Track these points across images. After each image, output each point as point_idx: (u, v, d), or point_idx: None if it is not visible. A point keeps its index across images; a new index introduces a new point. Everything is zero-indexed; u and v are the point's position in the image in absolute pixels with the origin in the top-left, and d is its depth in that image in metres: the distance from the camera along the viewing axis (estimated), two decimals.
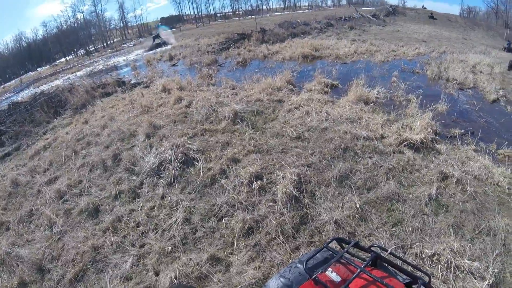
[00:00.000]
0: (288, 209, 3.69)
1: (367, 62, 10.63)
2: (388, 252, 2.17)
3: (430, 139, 5.36)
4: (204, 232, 3.79)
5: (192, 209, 4.11)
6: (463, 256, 3.60)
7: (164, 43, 24.27)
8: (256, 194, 3.93)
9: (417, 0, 58.11)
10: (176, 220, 4.01)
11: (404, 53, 12.43)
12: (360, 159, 4.51)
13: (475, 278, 3.46)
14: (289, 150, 4.65)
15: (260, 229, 3.60)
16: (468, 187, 4.52)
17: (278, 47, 13.00)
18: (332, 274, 1.69)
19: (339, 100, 6.32)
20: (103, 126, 7.13)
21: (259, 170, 4.19)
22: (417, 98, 6.73)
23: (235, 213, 3.82)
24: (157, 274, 3.47)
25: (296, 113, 5.61)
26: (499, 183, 4.97)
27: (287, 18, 27.58)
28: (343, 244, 2.07)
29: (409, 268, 2.21)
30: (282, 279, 1.70)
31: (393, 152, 4.82)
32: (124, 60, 21.57)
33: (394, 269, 2.07)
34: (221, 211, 3.93)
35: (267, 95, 6.33)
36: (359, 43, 14.19)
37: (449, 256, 3.50)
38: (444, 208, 4.18)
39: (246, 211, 3.78)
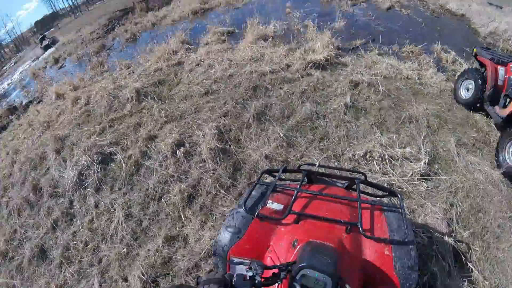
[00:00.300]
0: (219, 162, 3.65)
1: (259, 0, 10.45)
2: (317, 165, 2.23)
3: (333, 55, 5.57)
4: (149, 219, 3.62)
5: (128, 203, 3.88)
6: (393, 147, 3.91)
7: (53, 42, 21.64)
8: (184, 161, 3.80)
9: None
10: (118, 220, 3.76)
11: None
12: (272, 92, 4.55)
13: (411, 162, 3.80)
14: (202, 107, 4.51)
15: (200, 191, 3.53)
16: (380, 87, 4.85)
17: (165, 11, 12.13)
18: (273, 205, 1.67)
19: (238, 44, 6.20)
20: (11, 163, 6.26)
21: (178, 138, 4.01)
22: (313, 22, 6.83)
23: (170, 188, 3.68)
24: (126, 279, 3.27)
25: (199, 69, 5.39)
26: (409, 76, 5.43)
27: None
28: (274, 174, 2.05)
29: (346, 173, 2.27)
30: (229, 229, 1.64)
31: (302, 76, 4.93)
32: (9, 84, 18.87)
33: (331, 179, 2.14)
34: (156, 192, 3.75)
35: (165, 62, 5.95)
36: None
37: (380, 150, 3.78)
38: (363, 111, 4.45)
39: (180, 181, 3.66)
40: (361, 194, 1.73)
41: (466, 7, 11.44)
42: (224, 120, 4.09)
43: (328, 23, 6.79)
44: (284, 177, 2.24)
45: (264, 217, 1.58)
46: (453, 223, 3.36)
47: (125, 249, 3.51)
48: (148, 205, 3.74)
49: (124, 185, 4.11)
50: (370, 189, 2.40)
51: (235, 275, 1.15)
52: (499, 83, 4.47)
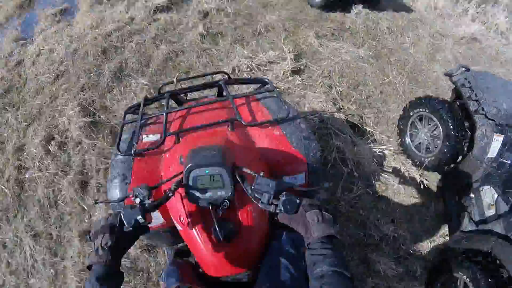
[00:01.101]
0: (95, 136, 3.31)
1: None
2: (175, 81, 2.03)
3: None
4: (56, 227, 3.23)
5: (29, 224, 3.34)
6: (258, 55, 3.96)
7: None
8: (60, 153, 3.37)
9: None
10: (30, 246, 3.19)
11: None
12: (122, 49, 4.19)
13: (278, 63, 3.91)
14: (57, 93, 3.94)
15: (90, 173, 3.23)
16: (229, 9, 4.77)
17: None
18: (149, 138, 1.46)
19: (75, 18, 5.43)
20: None
21: (45, 134, 3.53)
22: None
23: (60, 186, 3.27)
24: None
25: (41, 59, 4.52)
26: None
27: None
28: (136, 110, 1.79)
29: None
30: (114, 180, 1.36)
31: (149, 24, 4.64)
32: None
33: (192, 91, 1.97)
34: (49, 198, 3.30)
35: (5, 67, 4.93)
36: None
37: (246, 62, 3.80)
38: (220, 35, 4.40)
39: (66, 175, 3.27)
40: (234, 94, 1.59)
41: None
42: (83, 95, 3.62)
43: None
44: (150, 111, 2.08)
45: (141, 152, 1.38)
46: (338, 101, 3.57)
47: (51, 270, 3.12)
48: (48, 215, 3.28)
49: (17, 210, 3.52)
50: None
51: (121, 210, 0.94)
52: None
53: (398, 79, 4.08)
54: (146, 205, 0.95)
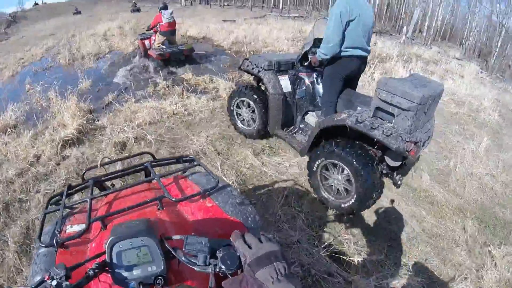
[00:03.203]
0: None
1: None
2: (99, 165, 1.77)
3: (86, 122, 4.58)
4: None
5: None
6: None
7: None
8: None
9: None
10: None
11: (32, 55, 10.74)
12: (28, 203, 3.17)
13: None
14: None
15: None
16: (150, 137, 4.24)
17: None
18: (73, 228, 1.20)
19: None
20: None
21: None
22: (55, 91, 5.58)
23: None
24: None
25: None
26: (175, 112, 5.08)
27: None
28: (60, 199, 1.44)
29: None
30: (36, 277, 1.06)
31: (58, 164, 3.76)
32: None
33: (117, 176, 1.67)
34: None
35: None
36: None
37: None
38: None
39: None
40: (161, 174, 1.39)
41: (205, 29, 12.73)
42: None
43: (69, 87, 5.80)
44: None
45: (66, 242, 1.09)
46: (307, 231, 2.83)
47: None
48: None
49: None
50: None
51: None
52: (147, 47, 7.95)
53: None
54: (63, 286, 0.74)
